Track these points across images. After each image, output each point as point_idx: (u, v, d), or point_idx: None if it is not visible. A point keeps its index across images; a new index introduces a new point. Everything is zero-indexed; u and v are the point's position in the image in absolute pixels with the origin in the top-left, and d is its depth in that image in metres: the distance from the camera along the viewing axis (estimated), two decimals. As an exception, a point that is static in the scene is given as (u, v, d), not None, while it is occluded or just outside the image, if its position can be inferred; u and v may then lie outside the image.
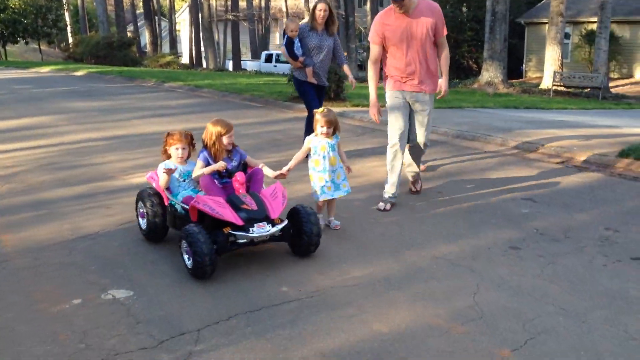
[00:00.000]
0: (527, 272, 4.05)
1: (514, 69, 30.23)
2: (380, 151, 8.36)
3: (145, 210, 4.53)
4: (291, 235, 4.22)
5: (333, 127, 4.75)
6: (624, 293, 3.71)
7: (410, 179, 5.94)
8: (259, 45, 42.99)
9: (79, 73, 24.00)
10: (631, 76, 27.93)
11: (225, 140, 4.38)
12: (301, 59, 7.24)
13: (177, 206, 4.37)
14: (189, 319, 3.42)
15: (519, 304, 3.58)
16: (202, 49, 38.92)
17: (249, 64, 36.28)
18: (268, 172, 4.55)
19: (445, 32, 5.36)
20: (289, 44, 7.23)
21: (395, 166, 5.45)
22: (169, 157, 4.60)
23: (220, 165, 4.33)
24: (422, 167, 6.31)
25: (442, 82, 5.52)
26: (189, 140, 4.58)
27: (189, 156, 4.61)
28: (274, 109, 13.01)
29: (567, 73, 22.99)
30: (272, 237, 4.07)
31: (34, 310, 3.55)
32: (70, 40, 36.13)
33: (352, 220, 5.12)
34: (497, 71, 22.00)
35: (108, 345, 3.14)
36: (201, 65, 38.32)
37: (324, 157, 4.74)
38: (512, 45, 28.86)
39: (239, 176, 4.26)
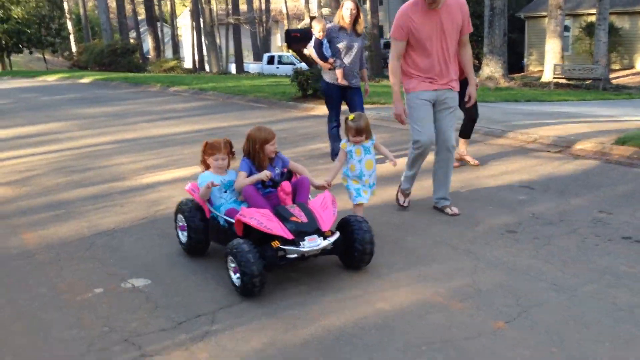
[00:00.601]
0: (522, 253, 4.27)
1: (515, 63, 30.40)
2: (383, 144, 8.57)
3: (186, 224, 4.29)
4: (343, 247, 3.97)
5: (365, 134, 4.52)
6: (614, 269, 3.93)
7: (440, 205, 5.32)
8: (261, 47, 43.29)
9: (85, 80, 24.33)
10: (632, 67, 28.06)
11: (269, 148, 4.15)
12: (331, 60, 7.03)
13: (219, 219, 4.11)
14: (205, 303, 3.66)
15: (514, 281, 3.81)
16: (205, 52, 39.26)
17: (252, 67, 36.58)
18: (310, 178, 4.32)
19: (470, 29, 5.07)
20: (318, 45, 7.07)
21: (417, 164, 5.19)
22: (207, 167, 4.32)
23: (264, 174, 4.06)
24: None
25: (471, 89, 5.23)
26: (229, 149, 4.30)
27: (228, 166, 4.34)
28: (278, 109, 13.25)
29: (567, 65, 23.17)
30: (323, 251, 3.81)
31: (59, 300, 3.79)
32: (74, 48, 36.57)
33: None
34: (498, 66, 22.18)
35: (130, 328, 3.38)
36: (204, 69, 38.65)
37: (359, 161, 4.57)
38: (512, 40, 29.05)
39: (286, 186, 4.02)
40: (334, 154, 7.43)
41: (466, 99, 5.23)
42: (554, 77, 22.09)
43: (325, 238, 3.77)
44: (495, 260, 4.17)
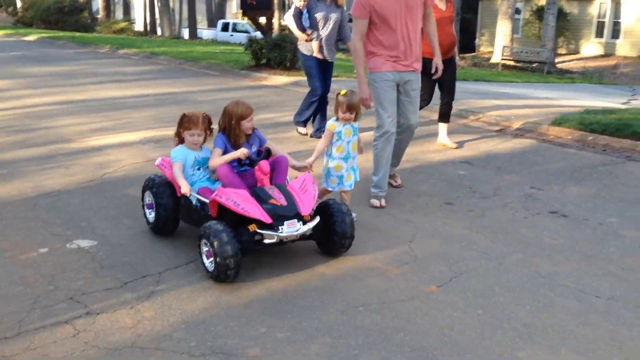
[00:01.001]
0: (457, 223, 4.52)
1: (467, 43, 30.89)
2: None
3: (154, 201, 4.04)
4: (321, 232, 3.78)
5: (356, 110, 4.30)
6: (539, 240, 4.21)
7: (389, 172, 5.20)
8: (216, 13, 42.53)
9: (30, 38, 23.47)
10: (577, 52, 28.94)
11: (245, 124, 3.92)
12: (309, 31, 6.77)
13: (192, 198, 3.86)
14: (151, 264, 3.75)
15: (448, 250, 4.04)
16: (157, 16, 38.26)
17: (205, 33, 35.92)
18: (289, 158, 4.06)
19: (433, 1, 4.98)
20: (297, 15, 6.81)
21: (387, 156, 4.90)
22: (182, 141, 4.06)
23: (241, 152, 3.84)
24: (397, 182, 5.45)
25: (438, 60, 5.07)
26: (207, 125, 4.04)
27: (204, 142, 4.09)
28: (232, 77, 13.18)
29: (516, 48, 23.75)
30: (302, 236, 3.65)
31: (2, 258, 3.81)
32: (19, 4, 34.98)
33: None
34: (450, 44, 22.51)
35: (75, 287, 3.44)
36: (156, 33, 37.69)
37: (348, 142, 4.33)
38: (465, 20, 29.47)
39: (264, 165, 3.75)
40: (317, 130, 7.18)
41: (432, 71, 5.08)
42: (503, 59, 22.62)
43: (305, 223, 3.60)
44: (432, 230, 4.40)
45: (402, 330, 3.03)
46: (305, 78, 7.42)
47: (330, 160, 4.37)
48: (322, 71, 6.98)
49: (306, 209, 3.65)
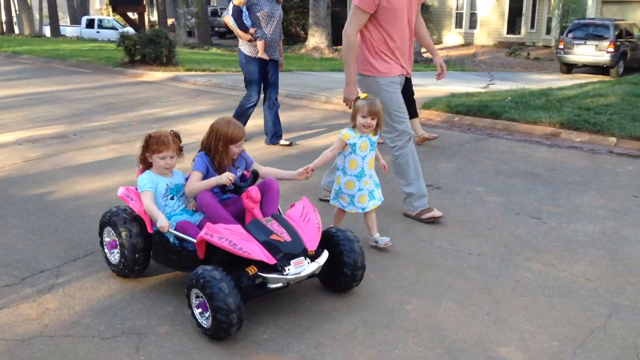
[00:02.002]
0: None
1: (339, 35, 31.76)
2: (215, 111, 8.83)
3: (118, 240, 3.33)
4: (328, 268, 3.16)
5: (377, 118, 3.65)
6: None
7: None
8: (78, 10, 40.39)
9: None
10: (440, 42, 30.78)
11: (234, 149, 3.36)
12: (252, 30, 6.25)
13: (168, 235, 3.23)
14: (47, 259, 3.71)
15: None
16: (15, 13, 35.78)
17: (69, 30, 34.14)
18: (283, 174, 3.65)
19: None
20: (237, 13, 6.32)
21: (417, 160, 4.45)
22: (148, 166, 3.39)
23: (227, 177, 3.20)
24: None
25: (440, 60, 4.76)
26: (178, 145, 3.41)
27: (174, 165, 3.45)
28: (104, 75, 12.80)
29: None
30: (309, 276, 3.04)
31: None
32: None
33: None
34: (323, 37, 23.17)
35: (-31, 287, 3.35)
36: (13, 31, 35.29)
37: (363, 157, 3.71)
38: (336, 13, 30.29)
39: (254, 193, 3.14)
40: (273, 136, 6.73)
41: (439, 71, 4.75)
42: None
43: (312, 259, 3.02)
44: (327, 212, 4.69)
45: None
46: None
47: (342, 175, 3.77)
48: (263, 75, 6.52)
49: (312, 243, 3.06)
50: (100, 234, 3.51)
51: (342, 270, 3.17)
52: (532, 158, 6.17)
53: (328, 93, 9.89)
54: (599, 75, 17.38)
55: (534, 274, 3.57)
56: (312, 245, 3.05)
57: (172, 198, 3.36)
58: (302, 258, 2.95)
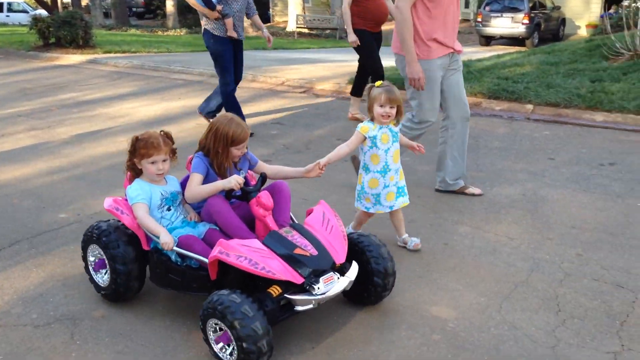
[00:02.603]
0: (276, 176, 4.88)
1: (262, 14, 31.44)
2: (138, 93, 8.62)
3: (109, 262, 2.87)
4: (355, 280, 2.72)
5: (397, 106, 3.27)
6: (351, 182, 4.73)
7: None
8: (-16, -8, 38.03)
9: None
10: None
11: (235, 151, 2.93)
12: (219, 7, 5.79)
13: (169, 253, 2.77)
14: (-31, 251, 3.56)
15: (271, 199, 4.38)
16: None
17: (-26, 14, 32.12)
18: (290, 171, 3.22)
19: None
20: None
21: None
22: (137, 173, 2.95)
23: (235, 181, 2.77)
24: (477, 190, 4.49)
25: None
26: (171, 147, 2.96)
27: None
28: (17, 59, 12.20)
29: (308, 16, 24.84)
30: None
31: None
32: None
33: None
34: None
35: None
36: None
37: (386, 151, 3.32)
38: (258, -9, 29.93)
39: (266, 199, 2.75)
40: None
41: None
42: (297, 27, 23.55)
43: (342, 273, 2.63)
44: (254, 185, 4.70)
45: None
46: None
47: (365, 173, 3.39)
48: (233, 57, 6.06)
49: (340, 254, 2.66)
50: (84, 251, 3.02)
51: (371, 279, 2.80)
52: (455, 127, 6.39)
53: (254, 71, 9.83)
54: (516, 47, 18.06)
55: (462, 236, 3.74)
56: (340, 257, 2.65)
57: (168, 209, 2.90)
58: (332, 273, 2.56)
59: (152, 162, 2.85)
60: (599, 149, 5.56)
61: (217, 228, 2.84)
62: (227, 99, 6.07)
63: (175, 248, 2.70)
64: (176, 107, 7.61)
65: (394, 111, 3.25)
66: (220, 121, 2.91)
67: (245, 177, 3.05)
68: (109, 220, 2.99)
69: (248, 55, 12.88)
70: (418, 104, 4.20)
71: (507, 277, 3.21)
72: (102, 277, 2.97)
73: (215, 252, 2.51)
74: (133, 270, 2.85)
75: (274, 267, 2.43)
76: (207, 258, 2.59)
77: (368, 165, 3.35)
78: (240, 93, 8.37)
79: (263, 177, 2.95)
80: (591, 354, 2.53)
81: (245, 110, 7.22)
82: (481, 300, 2.98)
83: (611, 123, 6.41)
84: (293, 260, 2.50)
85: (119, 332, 2.74)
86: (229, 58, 5.96)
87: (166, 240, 2.68)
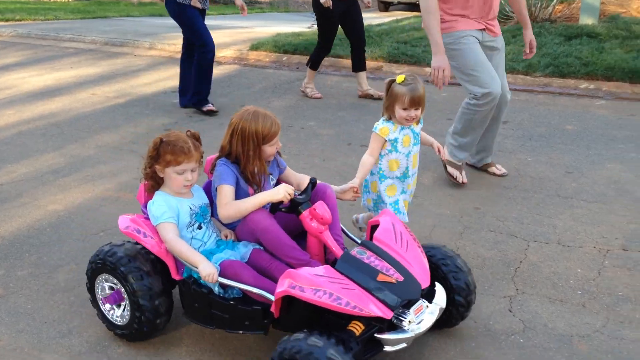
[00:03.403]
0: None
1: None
2: (26, 63, 8.10)
3: (129, 297, 2.33)
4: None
5: (422, 107, 2.80)
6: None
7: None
8: None
9: None
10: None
11: (268, 149, 2.44)
12: None
13: (210, 285, 2.26)
14: None
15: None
16: None
17: None
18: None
19: None
20: None
21: (482, 125, 3.86)
22: (158, 183, 2.40)
23: (284, 191, 2.32)
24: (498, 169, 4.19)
25: (530, 34, 3.98)
26: (201, 152, 2.40)
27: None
28: None
29: (206, -18, 24.12)
30: None
31: None
32: None
33: (8, 128, 5.10)
34: (140, -19, 21.86)
35: None
36: None
37: (407, 155, 2.86)
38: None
39: (323, 212, 2.30)
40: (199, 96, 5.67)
41: (528, 50, 4.01)
42: (195, -7, 22.86)
43: (429, 299, 2.20)
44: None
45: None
46: None
47: (380, 180, 2.88)
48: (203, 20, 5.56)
49: (425, 276, 2.21)
50: (91, 282, 2.46)
51: (452, 298, 2.33)
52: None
53: (151, 39, 9.46)
54: (414, 12, 18.48)
55: (367, 197, 3.83)
56: (425, 279, 2.19)
57: (199, 227, 2.39)
58: (421, 301, 2.12)
59: (180, 172, 2.31)
60: (492, 108, 5.84)
61: (262, 247, 2.37)
62: (203, 66, 5.55)
63: (223, 280, 2.20)
64: (68, 76, 7.21)
65: (419, 112, 2.78)
66: (244, 117, 2.37)
67: (276, 183, 2.57)
68: (123, 243, 2.42)
69: (146, 22, 12.42)
70: (470, 79, 3.70)
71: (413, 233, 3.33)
72: (118, 314, 2.42)
73: (284, 286, 2.02)
74: (160, 305, 2.32)
75: (360, 301, 1.98)
76: (259, 287, 2.15)
77: (384, 172, 2.85)
78: (137, 61, 8.07)
79: (313, 183, 2.42)
80: (489, 299, 2.69)
81: (144, 78, 6.98)
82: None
83: (503, 84, 6.73)
84: (377, 289, 2.04)
85: (19, 310, 2.63)
86: (201, 22, 5.50)
87: (209, 271, 2.18)
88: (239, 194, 2.37)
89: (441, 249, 2.43)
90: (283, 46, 8.24)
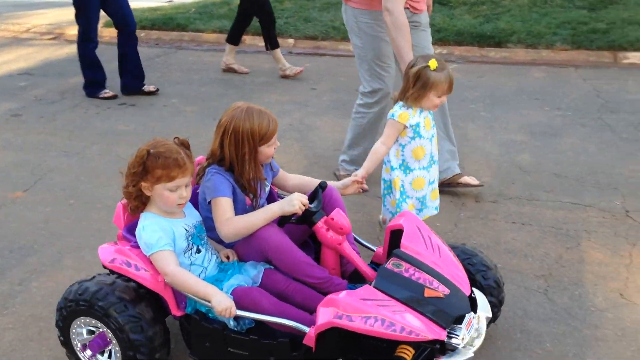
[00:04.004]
0: (30, 132, 4.45)
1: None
2: None
3: (110, 335, 1.97)
4: None
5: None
6: (114, 129, 4.48)
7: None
8: None
9: None
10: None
11: (265, 151, 2.12)
12: None
13: (226, 320, 1.93)
14: None
15: (26, 156, 3.99)
16: None
17: None
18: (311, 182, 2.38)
19: None
20: None
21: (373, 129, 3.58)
22: (143, 202, 2.01)
23: (297, 202, 2.01)
24: None
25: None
26: (194, 163, 2.04)
27: None
28: None
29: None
30: None
31: None
32: None
33: None
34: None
35: None
36: None
37: (430, 139, 2.58)
38: None
39: (343, 221, 2.06)
40: (92, 86, 5.22)
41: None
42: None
43: (474, 309, 1.95)
44: (4, 142, 4.24)
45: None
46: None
47: (403, 173, 2.58)
48: (103, 6, 5.03)
49: (465, 284, 1.96)
50: (63, 333, 2.04)
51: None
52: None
53: (-9, 18, 8.67)
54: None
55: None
56: (466, 287, 1.95)
57: (198, 250, 2.04)
58: (472, 314, 1.89)
59: (174, 189, 1.93)
60: (355, 77, 5.96)
61: (272, 266, 2.07)
62: (86, 55, 5.15)
63: (242, 313, 1.87)
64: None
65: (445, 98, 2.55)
66: (235, 117, 2.05)
67: (271, 191, 2.29)
68: (94, 276, 2.02)
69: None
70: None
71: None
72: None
73: (328, 316, 1.75)
74: (156, 336, 1.95)
75: (415, 325, 1.73)
76: (282, 315, 1.86)
77: (408, 163, 2.56)
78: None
79: (323, 187, 2.15)
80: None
81: (-15, 61, 6.38)
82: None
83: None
84: (428, 307, 1.79)
85: None
86: (93, 8, 4.98)
87: (226, 304, 1.84)
88: (236, 206, 2.06)
89: (463, 248, 2.25)
90: (140, 22, 7.82)
